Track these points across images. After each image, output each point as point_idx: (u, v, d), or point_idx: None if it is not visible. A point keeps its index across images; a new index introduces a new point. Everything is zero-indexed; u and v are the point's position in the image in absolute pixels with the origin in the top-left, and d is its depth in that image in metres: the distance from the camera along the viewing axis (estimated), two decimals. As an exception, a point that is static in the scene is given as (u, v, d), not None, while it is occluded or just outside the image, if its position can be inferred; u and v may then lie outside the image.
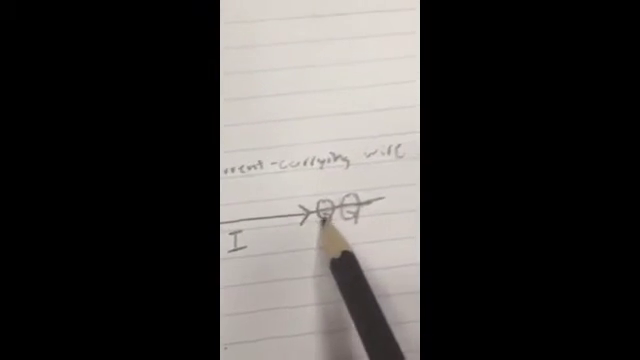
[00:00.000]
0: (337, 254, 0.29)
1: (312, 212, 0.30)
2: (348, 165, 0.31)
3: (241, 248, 0.30)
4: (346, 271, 0.29)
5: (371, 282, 0.29)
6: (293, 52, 0.30)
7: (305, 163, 0.30)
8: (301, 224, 0.30)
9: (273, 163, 0.30)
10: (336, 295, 0.29)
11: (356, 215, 0.31)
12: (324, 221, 0.30)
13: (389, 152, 0.31)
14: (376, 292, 0.28)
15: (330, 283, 0.30)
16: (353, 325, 0.28)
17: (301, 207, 0.30)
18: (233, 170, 0.30)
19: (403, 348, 0.26)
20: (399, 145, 0.31)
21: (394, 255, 0.30)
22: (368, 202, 0.31)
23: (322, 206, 0.30)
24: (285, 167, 0.30)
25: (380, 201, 0.31)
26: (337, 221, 0.30)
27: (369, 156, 0.31)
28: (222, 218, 0.29)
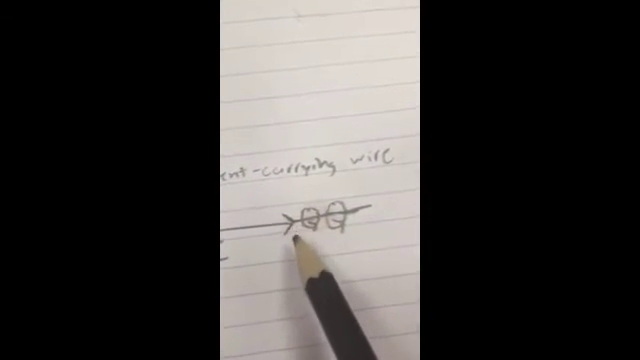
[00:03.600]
0: (314, 274, 0.27)
1: (297, 221, 0.29)
2: (334, 172, 0.29)
3: (222, 259, 0.29)
4: (324, 292, 0.27)
5: (357, 293, 0.27)
6: (276, 54, 0.30)
7: (289, 170, 0.29)
8: (285, 234, 0.29)
9: (256, 170, 0.29)
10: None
11: (342, 224, 0.29)
12: (296, 238, 0.29)
13: (376, 158, 0.30)
14: (362, 304, 0.27)
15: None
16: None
17: (285, 216, 0.29)
18: (213, 177, 0.29)
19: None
20: (387, 150, 0.30)
21: (383, 265, 0.29)
22: (355, 210, 0.29)
23: (307, 214, 0.29)
24: (268, 174, 0.29)
25: (367, 209, 0.29)
26: (323, 230, 0.29)
27: (355, 162, 0.30)
28: (202, 228, 0.28)
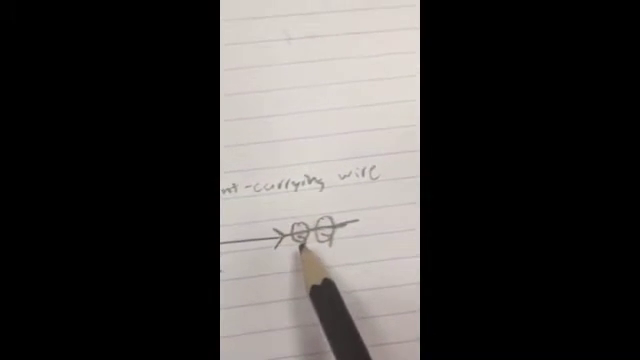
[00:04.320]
0: (317, 281, 0.29)
1: (287, 235, 0.30)
2: (322, 187, 0.31)
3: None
4: (326, 298, 0.28)
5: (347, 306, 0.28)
6: (267, 75, 0.31)
7: (280, 186, 0.30)
8: (276, 247, 0.30)
9: (247, 186, 0.30)
10: (313, 319, 0.29)
11: (331, 238, 0.30)
12: (302, 247, 0.30)
13: (363, 174, 0.31)
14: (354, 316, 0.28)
15: (306, 306, 0.29)
16: (329, 349, 0.28)
17: (276, 230, 0.30)
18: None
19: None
20: (373, 167, 0.31)
21: (370, 277, 0.30)
22: (343, 224, 0.30)
23: (297, 229, 0.30)
24: (259, 190, 0.30)
25: (355, 223, 0.30)
26: (312, 243, 0.30)
27: (343, 178, 0.31)
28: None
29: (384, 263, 0.30)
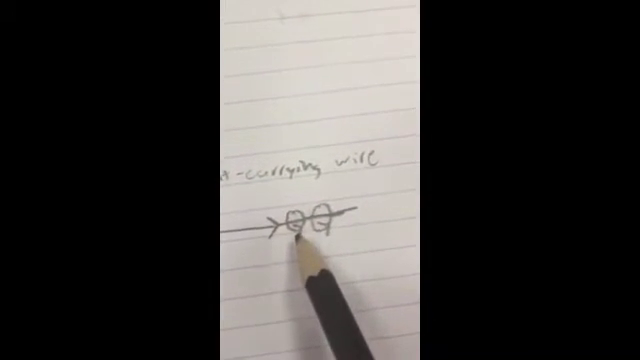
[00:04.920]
0: (314, 272, 0.27)
1: (281, 224, 0.29)
2: (319, 174, 0.29)
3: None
4: (323, 290, 0.27)
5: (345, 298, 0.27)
6: (259, 57, 0.29)
7: (273, 173, 0.29)
8: (270, 237, 0.29)
9: (239, 173, 0.29)
10: (309, 311, 0.28)
11: (328, 226, 0.29)
12: (298, 237, 0.29)
13: (361, 159, 0.29)
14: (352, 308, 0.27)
15: (302, 299, 0.28)
16: (326, 342, 0.26)
17: (270, 219, 0.29)
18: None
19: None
20: (372, 152, 0.29)
21: (368, 268, 0.29)
22: (340, 213, 0.29)
23: (292, 217, 0.29)
24: (252, 177, 0.29)
25: (353, 211, 0.29)
26: (308, 233, 0.29)
27: (340, 164, 0.29)
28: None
29: (383, 253, 0.29)
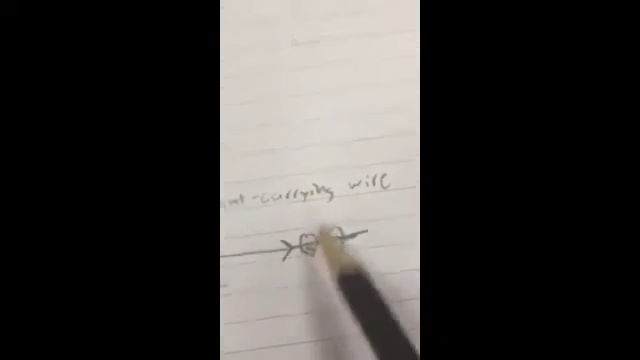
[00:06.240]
0: (345, 268, 0.27)
1: (295, 247, 0.29)
2: (332, 197, 0.29)
3: (222, 286, 0.29)
4: (357, 284, 0.27)
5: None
6: (274, 81, 0.30)
7: (287, 196, 0.30)
8: (284, 260, 0.29)
9: (254, 197, 0.29)
10: (326, 333, 0.28)
11: (341, 249, 0.29)
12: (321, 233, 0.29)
13: (374, 183, 0.29)
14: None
15: (317, 320, 0.28)
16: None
17: (284, 242, 0.29)
18: (212, 205, 0.29)
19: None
20: (384, 175, 0.29)
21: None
22: (352, 235, 0.29)
23: (305, 240, 0.29)
24: (267, 201, 0.29)
25: (365, 234, 0.29)
26: (322, 256, 0.29)
27: (353, 187, 0.29)
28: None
29: (397, 275, 0.29)
